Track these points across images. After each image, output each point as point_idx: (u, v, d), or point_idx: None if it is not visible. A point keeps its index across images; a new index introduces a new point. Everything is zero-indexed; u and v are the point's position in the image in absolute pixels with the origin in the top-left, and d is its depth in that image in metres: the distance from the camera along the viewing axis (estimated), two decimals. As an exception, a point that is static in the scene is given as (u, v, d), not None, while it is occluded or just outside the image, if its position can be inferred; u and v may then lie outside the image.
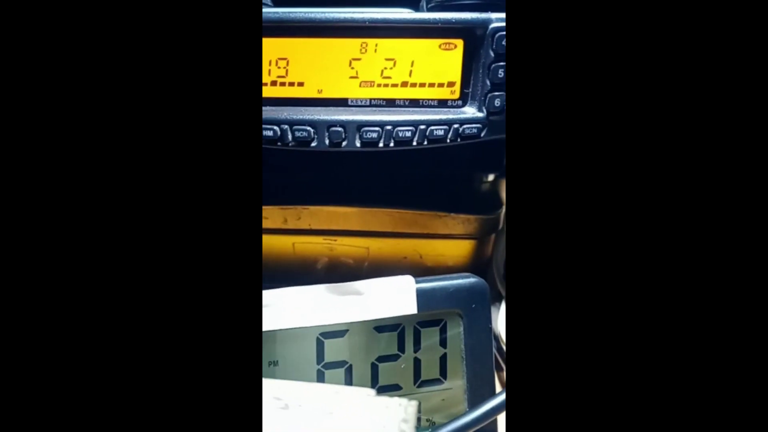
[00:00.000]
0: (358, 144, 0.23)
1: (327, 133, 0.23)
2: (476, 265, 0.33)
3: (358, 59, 0.22)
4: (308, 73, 0.23)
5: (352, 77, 0.23)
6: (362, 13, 0.22)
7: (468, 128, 0.23)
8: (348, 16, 0.22)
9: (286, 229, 0.31)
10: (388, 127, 0.23)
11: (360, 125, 0.22)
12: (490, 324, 0.24)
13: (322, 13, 0.22)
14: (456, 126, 0.23)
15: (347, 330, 0.23)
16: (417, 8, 0.24)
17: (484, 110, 0.23)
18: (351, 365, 0.23)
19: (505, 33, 0.22)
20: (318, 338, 0.23)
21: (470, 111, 0.23)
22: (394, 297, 0.23)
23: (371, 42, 0.22)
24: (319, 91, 0.23)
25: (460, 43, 0.22)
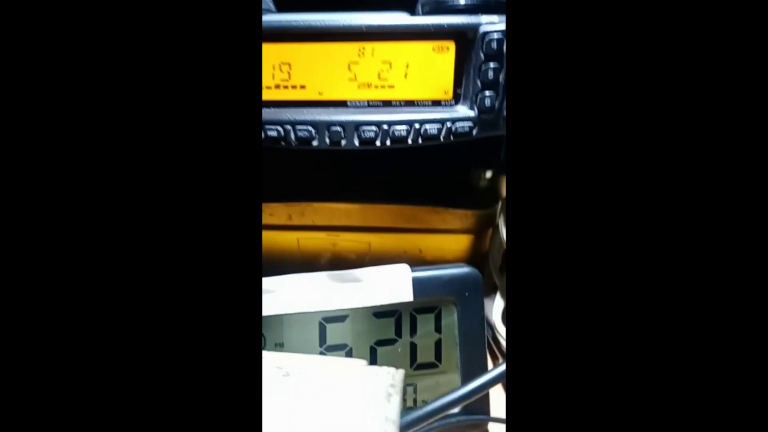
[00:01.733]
0: (356, 142, 0.24)
1: (327, 133, 0.24)
2: (474, 258, 0.34)
3: (356, 62, 0.24)
4: (309, 76, 0.24)
5: (350, 80, 0.24)
6: (359, 19, 0.23)
7: (460, 126, 0.24)
8: (346, 22, 0.23)
9: (290, 225, 0.32)
10: (385, 126, 0.24)
11: (358, 125, 0.24)
12: (483, 311, 0.25)
13: (322, 20, 0.23)
14: (449, 124, 0.24)
15: (348, 315, 0.24)
16: (413, 12, 0.25)
17: (476, 109, 0.24)
18: (351, 348, 0.24)
19: (494, 36, 0.23)
20: (320, 323, 0.24)
21: (462, 110, 0.24)
22: (392, 284, 0.24)
23: (368, 46, 0.23)
24: (320, 93, 0.24)
25: (452, 45, 0.23)
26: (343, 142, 0.24)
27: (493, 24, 0.23)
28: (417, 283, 0.24)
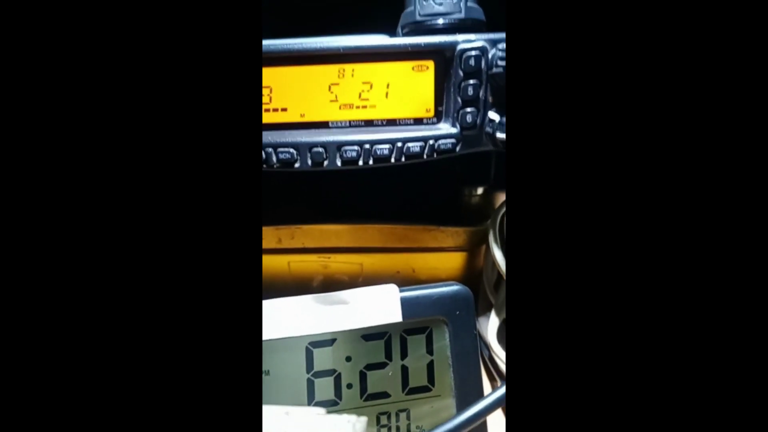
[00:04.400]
0: (338, 163, 0.24)
1: (309, 154, 0.24)
2: (468, 276, 0.34)
3: (337, 84, 0.24)
4: (290, 99, 0.24)
5: (332, 101, 0.24)
6: (338, 41, 0.23)
7: (443, 143, 0.24)
8: (325, 44, 0.23)
9: (281, 249, 0.32)
10: (367, 146, 0.24)
11: (340, 145, 0.24)
12: (475, 330, 0.24)
13: (301, 43, 0.23)
14: (431, 142, 0.24)
15: (335, 339, 0.23)
16: (393, 34, 0.25)
17: (458, 126, 0.24)
18: (340, 373, 0.23)
19: (472, 53, 0.23)
20: (307, 348, 0.23)
21: (444, 127, 0.24)
22: (379, 305, 0.23)
23: (348, 67, 0.24)
24: (302, 115, 0.24)
25: (431, 64, 0.24)
26: (326, 163, 0.24)
27: (470, 42, 0.23)
28: (406, 303, 0.24)
